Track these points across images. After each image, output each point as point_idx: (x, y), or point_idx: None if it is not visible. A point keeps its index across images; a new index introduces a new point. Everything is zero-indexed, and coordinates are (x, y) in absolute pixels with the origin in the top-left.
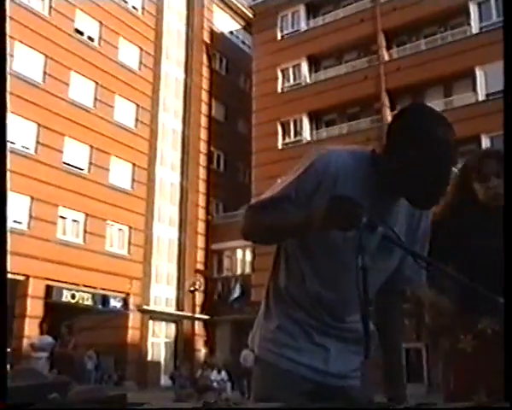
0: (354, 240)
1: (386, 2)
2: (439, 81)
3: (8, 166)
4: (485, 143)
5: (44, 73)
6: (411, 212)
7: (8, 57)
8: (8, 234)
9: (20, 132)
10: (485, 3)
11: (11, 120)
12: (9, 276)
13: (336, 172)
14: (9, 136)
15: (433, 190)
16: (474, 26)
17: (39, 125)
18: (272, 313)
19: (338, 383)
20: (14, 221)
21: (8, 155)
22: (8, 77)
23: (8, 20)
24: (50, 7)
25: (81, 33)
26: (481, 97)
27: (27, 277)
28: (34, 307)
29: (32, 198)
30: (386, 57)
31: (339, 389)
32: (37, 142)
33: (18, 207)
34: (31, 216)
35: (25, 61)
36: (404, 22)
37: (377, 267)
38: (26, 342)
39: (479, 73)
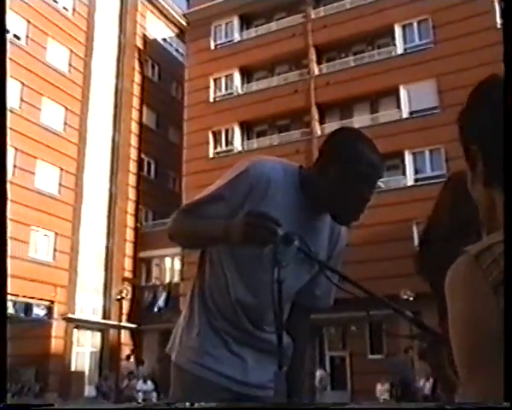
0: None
1: (317, 19)
2: (365, 97)
3: None
4: (408, 158)
5: None
6: (332, 229)
7: None
8: None
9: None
10: (409, 26)
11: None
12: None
13: (268, 181)
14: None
15: (356, 207)
16: (399, 47)
17: None
18: (194, 320)
19: (256, 393)
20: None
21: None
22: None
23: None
24: None
25: (7, 31)
26: (405, 115)
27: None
28: None
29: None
30: (317, 72)
31: (256, 399)
32: None
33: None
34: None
35: None
36: (334, 39)
37: (290, 280)
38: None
39: (403, 91)
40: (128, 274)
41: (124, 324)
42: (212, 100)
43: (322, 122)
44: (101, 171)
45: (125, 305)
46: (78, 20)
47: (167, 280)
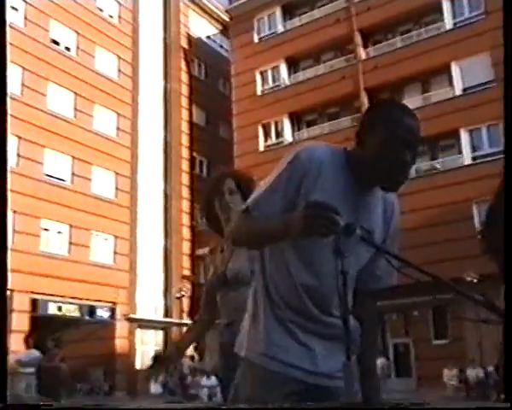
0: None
1: (360, 2)
2: (416, 77)
3: None
4: (464, 136)
5: (22, 84)
6: (385, 202)
7: None
8: None
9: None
10: (458, 0)
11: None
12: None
13: (320, 162)
14: None
15: (400, 171)
16: (448, 22)
17: (20, 138)
18: (260, 314)
19: (325, 383)
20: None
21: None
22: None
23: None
24: (25, 18)
25: (57, 43)
26: (458, 92)
27: (11, 291)
28: (19, 322)
29: (15, 212)
30: (364, 56)
31: (326, 390)
32: (18, 155)
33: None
34: (14, 230)
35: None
36: (379, 21)
37: (350, 260)
38: (11, 358)
39: (454, 67)
40: (187, 272)
41: (185, 321)
42: (259, 93)
43: None
44: (154, 172)
45: (186, 302)
46: (124, 26)
47: None
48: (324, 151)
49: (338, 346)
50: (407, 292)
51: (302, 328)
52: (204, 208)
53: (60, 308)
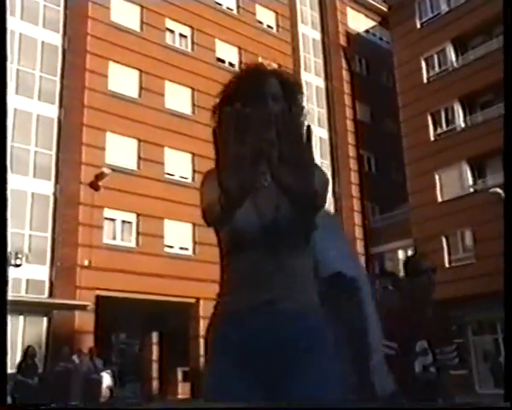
0: None
1: None
2: None
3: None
4: None
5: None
6: None
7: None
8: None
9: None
10: None
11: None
12: (181, 299)
13: None
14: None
15: None
16: None
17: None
18: None
19: None
20: (181, 248)
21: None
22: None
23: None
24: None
25: (222, 61)
26: None
27: (197, 299)
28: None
29: (194, 225)
30: None
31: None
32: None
33: (183, 234)
34: (195, 242)
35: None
36: None
37: None
38: (202, 362)
39: None
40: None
41: None
42: (425, 81)
43: None
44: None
45: None
46: (283, 34)
47: (402, 273)
48: None
49: None
50: None
51: None
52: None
53: None
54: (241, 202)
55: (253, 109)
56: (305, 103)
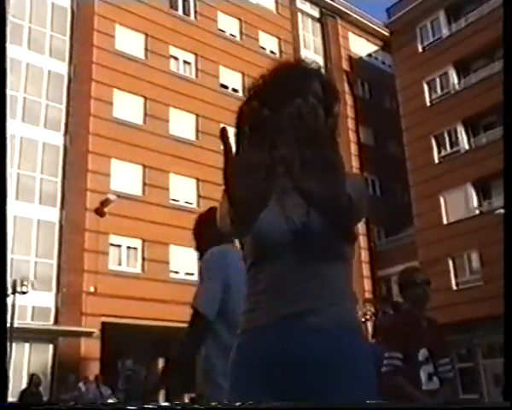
0: None
1: None
2: None
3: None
4: None
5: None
6: None
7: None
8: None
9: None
10: None
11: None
12: (187, 325)
13: None
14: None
15: None
16: None
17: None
18: None
19: None
20: (187, 273)
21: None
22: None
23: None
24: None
25: (226, 87)
26: None
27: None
28: None
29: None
30: None
31: None
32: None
33: (189, 260)
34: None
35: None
36: None
37: None
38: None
39: None
40: (367, 295)
41: None
42: (428, 104)
43: None
44: None
45: (369, 325)
46: (286, 58)
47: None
48: None
49: None
50: None
51: None
52: None
53: None
54: (253, 214)
55: (289, 108)
56: (339, 111)
